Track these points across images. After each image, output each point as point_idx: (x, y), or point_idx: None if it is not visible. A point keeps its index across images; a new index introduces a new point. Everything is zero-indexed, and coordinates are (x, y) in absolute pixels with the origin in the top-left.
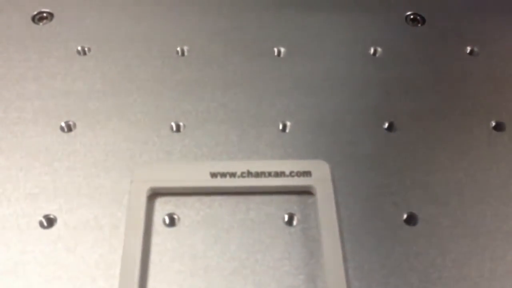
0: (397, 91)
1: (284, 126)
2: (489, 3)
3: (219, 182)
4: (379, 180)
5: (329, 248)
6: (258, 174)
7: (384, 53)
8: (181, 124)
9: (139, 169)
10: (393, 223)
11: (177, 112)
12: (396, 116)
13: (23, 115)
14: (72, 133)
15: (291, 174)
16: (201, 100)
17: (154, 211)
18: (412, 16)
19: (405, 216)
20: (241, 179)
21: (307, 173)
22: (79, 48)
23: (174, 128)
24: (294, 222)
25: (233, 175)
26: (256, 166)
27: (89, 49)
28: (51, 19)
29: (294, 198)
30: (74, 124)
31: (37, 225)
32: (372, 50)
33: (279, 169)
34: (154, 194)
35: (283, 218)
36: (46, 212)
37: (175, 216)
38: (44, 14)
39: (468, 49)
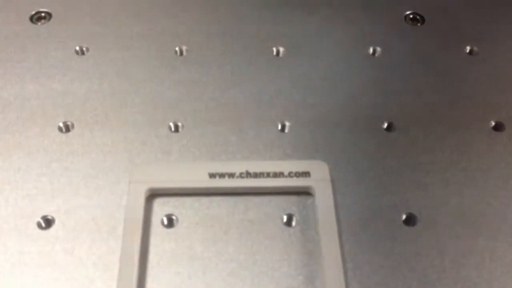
0: (396, 91)
1: (283, 127)
2: (489, 2)
3: (218, 183)
4: (378, 181)
5: (328, 248)
6: (256, 175)
7: (383, 52)
8: (179, 124)
9: (137, 170)
10: (392, 224)
11: (176, 112)
12: (395, 116)
13: (21, 115)
14: (70, 134)
15: (290, 174)
16: (199, 100)
17: (152, 212)
18: (411, 16)
19: (404, 216)
20: (239, 179)
21: (306, 174)
22: (77, 48)
23: (173, 128)
24: (293, 223)
25: (231, 175)
26: (255, 166)
27: (87, 49)
28: (49, 19)
29: (293, 198)
30: (72, 125)
31: (35, 226)
32: (371, 50)
33: (278, 170)
34: (153, 195)
35: (282, 218)
36: (44, 213)
37: (174, 217)
38: (42, 14)
39: (468, 48)
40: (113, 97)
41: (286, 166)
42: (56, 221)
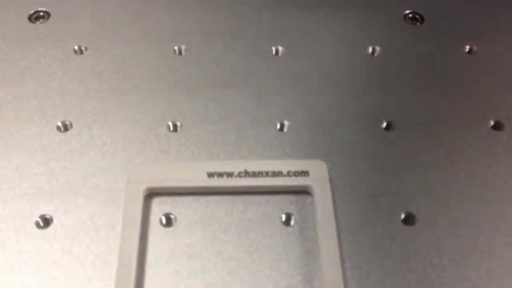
0: (396, 90)
1: (282, 126)
2: (488, 2)
3: (216, 182)
4: (377, 180)
5: (326, 248)
6: (255, 174)
7: (383, 52)
8: (178, 123)
9: (136, 169)
10: (391, 223)
11: (174, 111)
12: (394, 116)
13: (20, 114)
14: (68, 133)
15: (288, 174)
16: (198, 99)
17: (150, 211)
18: (410, 15)
19: (403, 216)
20: (238, 179)
21: (304, 173)
22: (76, 47)
23: (171, 128)
24: (292, 222)
25: (230, 175)
26: (254, 166)
27: (86, 48)
28: (47, 18)
29: (291, 198)
30: (71, 124)
31: (33, 225)
32: (370, 49)
33: (276, 169)
34: (151, 194)
35: (281, 218)
36: (43, 212)
37: (172, 216)
38: (41, 13)
39: (467, 47)
40: (111, 96)
41: (285, 165)
42: (54, 220)
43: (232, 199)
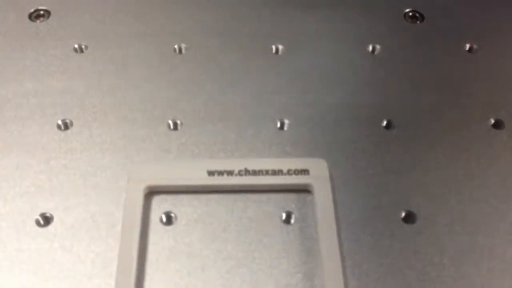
0: (396, 89)
1: (282, 124)
2: (488, 0)
3: (217, 180)
4: (377, 178)
5: (327, 246)
6: (255, 172)
7: (383, 50)
8: (178, 122)
9: (136, 167)
10: (391, 222)
11: (174, 110)
12: (394, 114)
13: (20, 113)
14: (68, 131)
15: (289, 172)
16: (198, 97)
17: (151, 210)
18: (411, 13)
19: (403, 214)
20: (238, 177)
21: (305, 171)
22: (76, 46)
23: (171, 126)
24: (292, 221)
25: (230, 173)
26: (254, 164)
27: (86, 47)
28: (48, 17)
29: (292, 196)
30: (71, 122)
31: (34, 223)
32: (370, 48)
33: (276, 167)
34: (151, 192)
35: (281, 216)
36: (43, 211)
37: (172, 215)
38: (41, 12)
39: (467, 46)
40: (111, 95)
41: (285, 163)
42: (55, 219)
43: (232, 197)
